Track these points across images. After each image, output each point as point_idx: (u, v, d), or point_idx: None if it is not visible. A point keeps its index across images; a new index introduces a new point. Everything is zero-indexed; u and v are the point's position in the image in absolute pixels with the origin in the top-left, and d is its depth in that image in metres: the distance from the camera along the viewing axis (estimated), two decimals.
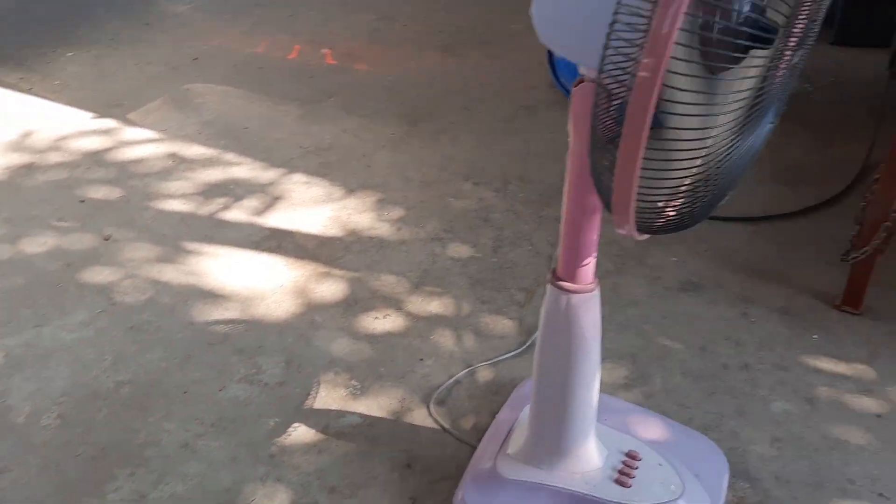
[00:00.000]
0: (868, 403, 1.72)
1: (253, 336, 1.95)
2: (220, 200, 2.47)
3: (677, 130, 0.92)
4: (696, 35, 0.93)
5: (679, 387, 1.79)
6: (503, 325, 1.97)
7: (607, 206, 0.98)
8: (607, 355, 1.87)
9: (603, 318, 2.00)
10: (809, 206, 2.33)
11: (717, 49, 0.94)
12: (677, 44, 0.92)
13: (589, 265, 1.30)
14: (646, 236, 1.05)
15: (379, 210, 2.41)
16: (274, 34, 3.56)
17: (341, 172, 2.59)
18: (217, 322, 2.00)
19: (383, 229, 2.33)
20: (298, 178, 2.58)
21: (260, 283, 2.12)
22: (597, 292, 1.34)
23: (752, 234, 2.26)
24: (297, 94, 3.07)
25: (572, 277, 1.31)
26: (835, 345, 1.87)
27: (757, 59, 0.96)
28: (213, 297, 2.09)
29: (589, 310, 1.34)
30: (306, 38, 3.52)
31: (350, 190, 2.51)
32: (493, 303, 2.05)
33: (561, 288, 1.31)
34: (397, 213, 2.40)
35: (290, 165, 2.64)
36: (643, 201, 0.96)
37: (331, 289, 2.10)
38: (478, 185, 2.51)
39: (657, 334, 1.93)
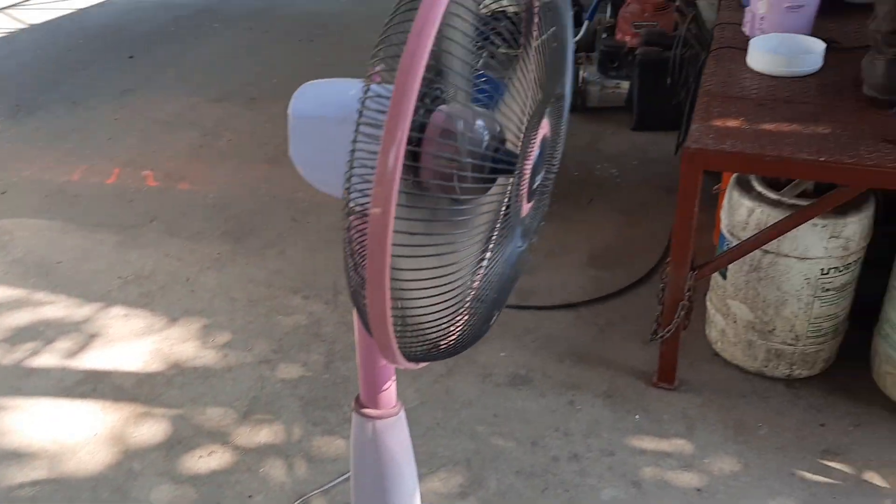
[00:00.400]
0: (689, 478, 1.79)
1: (62, 496, 1.80)
2: (28, 346, 2.30)
3: (427, 259, 0.95)
4: (440, 167, 0.97)
5: (513, 487, 1.79)
6: (336, 446, 1.92)
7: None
8: (442, 463, 1.86)
9: (437, 423, 2.00)
10: (624, 287, 2.47)
11: (463, 183, 0.99)
12: (421, 177, 0.96)
13: (389, 389, 1.29)
14: (422, 364, 1.05)
15: (204, 337, 2.32)
16: (91, 159, 3.44)
17: (163, 300, 2.49)
18: (21, 486, 1.83)
19: (208, 357, 2.24)
20: (117, 311, 2.45)
21: (71, 435, 1.97)
22: (402, 415, 1.33)
23: (575, 320, 2.35)
24: (116, 220, 2.96)
25: (374, 403, 1.29)
26: (655, 423, 1.95)
27: (499, 187, 1.01)
28: (17, 457, 1.91)
29: (396, 434, 1.32)
30: (126, 160, 3.42)
31: (173, 318, 2.41)
32: (326, 423, 1.99)
33: (364, 415, 1.29)
34: (223, 337, 2.32)
35: (108, 298, 2.51)
36: (405, 332, 0.97)
37: (151, 430, 1.98)
38: (308, 299, 2.48)
39: (490, 434, 1.94)
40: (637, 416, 1.97)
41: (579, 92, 3.71)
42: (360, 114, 0.90)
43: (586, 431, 1.94)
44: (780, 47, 2.15)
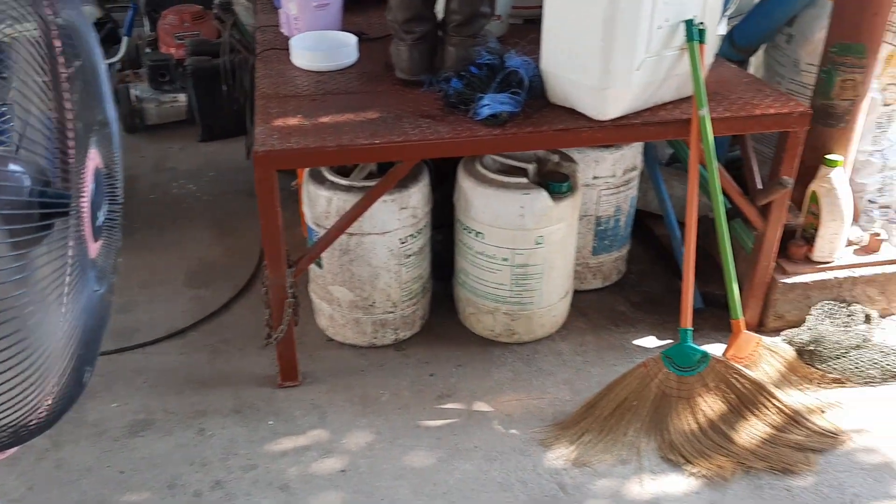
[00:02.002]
0: (332, 463, 1.85)
1: None
2: None
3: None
4: None
5: None
6: None
7: None
8: None
9: None
10: (229, 300, 2.42)
11: (14, 237, 0.86)
12: None
13: None
14: (10, 452, 0.91)
15: None
16: None
17: None
18: None
19: None
20: None
21: None
22: None
23: (186, 347, 2.24)
24: None
25: None
26: (289, 422, 1.97)
27: (57, 232, 0.91)
28: None
29: None
30: None
31: None
32: None
33: None
34: None
35: None
36: None
37: None
38: None
39: (121, 493, 1.77)
40: (271, 422, 1.97)
41: (135, 112, 3.52)
42: None
43: (223, 454, 1.87)
44: (318, 44, 2.29)
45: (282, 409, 2.01)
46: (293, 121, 1.94)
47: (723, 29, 2.52)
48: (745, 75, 2.20)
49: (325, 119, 1.96)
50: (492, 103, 1.91)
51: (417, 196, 2.09)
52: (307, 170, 2.17)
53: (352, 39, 2.30)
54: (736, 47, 2.49)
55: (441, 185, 2.28)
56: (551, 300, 2.20)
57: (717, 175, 1.93)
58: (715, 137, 1.89)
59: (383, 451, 1.88)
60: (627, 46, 1.79)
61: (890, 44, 2.16)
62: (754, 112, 1.94)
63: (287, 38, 2.37)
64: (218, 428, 1.95)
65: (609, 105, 1.88)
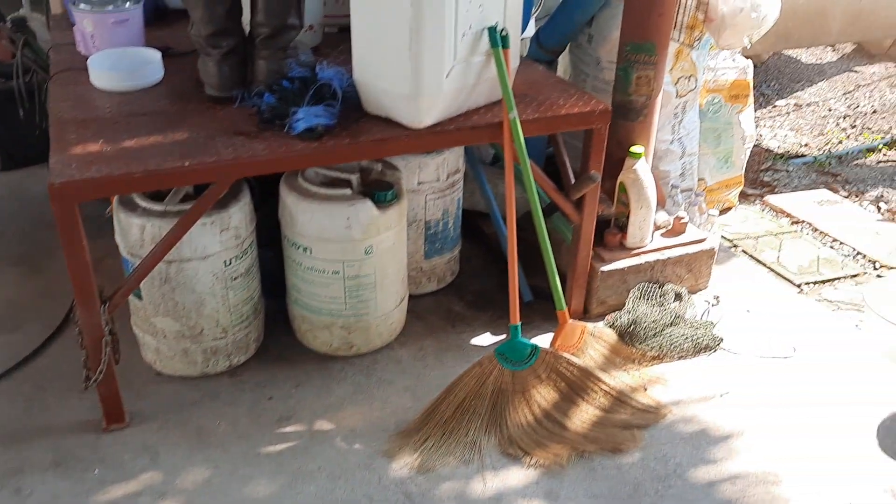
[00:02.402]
0: None
1: None
2: None
3: None
4: None
5: None
6: None
7: None
8: None
9: None
10: (41, 344, 2.24)
11: None
12: None
13: None
14: None
15: None
16: None
17: None
18: None
19: None
20: None
21: None
22: None
23: None
24: None
25: None
26: (117, 469, 1.84)
27: None
28: None
29: None
30: None
31: None
32: None
33: None
34: None
35: None
36: None
37: None
38: None
39: None
40: (97, 471, 1.84)
41: None
42: None
43: None
44: (119, 63, 2.16)
45: (108, 454, 1.88)
46: (94, 147, 1.82)
47: (531, 30, 2.62)
48: (551, 76, 2.30)
49: (129, 143, 1.85)
50: (306, 117, 1.88)
51: (239, 216, 2.02)
52: (117, 197, 2.05)
53: (156, 56, 2.19)
54: (543, 48, 2.59)
55: (266, 201, 2.22)
56: (387, 308, 2.20)
57: (531, 174, 2.00)
58: (531, 137, 1.96)
59: (222, 485, 1.81)
60: (434, 54, 1.82)
61: (676, 41, 2.33)
62: (560, 112, 2.03)
63: (85, 58, 2.22)
64: (37, 484, 1.80)
65: (422, 113, 1.90)
